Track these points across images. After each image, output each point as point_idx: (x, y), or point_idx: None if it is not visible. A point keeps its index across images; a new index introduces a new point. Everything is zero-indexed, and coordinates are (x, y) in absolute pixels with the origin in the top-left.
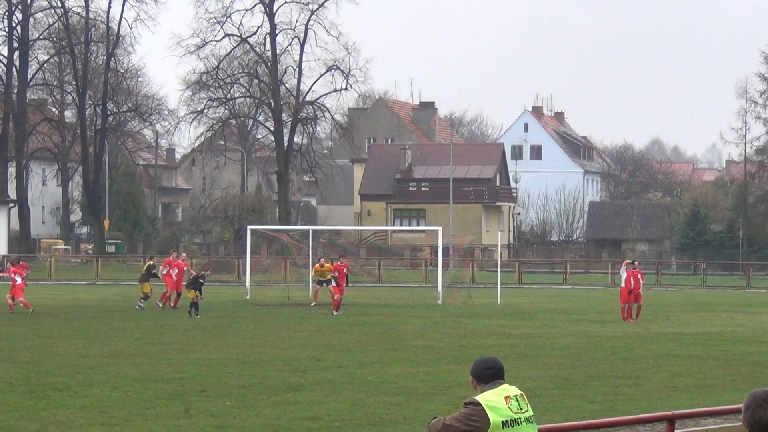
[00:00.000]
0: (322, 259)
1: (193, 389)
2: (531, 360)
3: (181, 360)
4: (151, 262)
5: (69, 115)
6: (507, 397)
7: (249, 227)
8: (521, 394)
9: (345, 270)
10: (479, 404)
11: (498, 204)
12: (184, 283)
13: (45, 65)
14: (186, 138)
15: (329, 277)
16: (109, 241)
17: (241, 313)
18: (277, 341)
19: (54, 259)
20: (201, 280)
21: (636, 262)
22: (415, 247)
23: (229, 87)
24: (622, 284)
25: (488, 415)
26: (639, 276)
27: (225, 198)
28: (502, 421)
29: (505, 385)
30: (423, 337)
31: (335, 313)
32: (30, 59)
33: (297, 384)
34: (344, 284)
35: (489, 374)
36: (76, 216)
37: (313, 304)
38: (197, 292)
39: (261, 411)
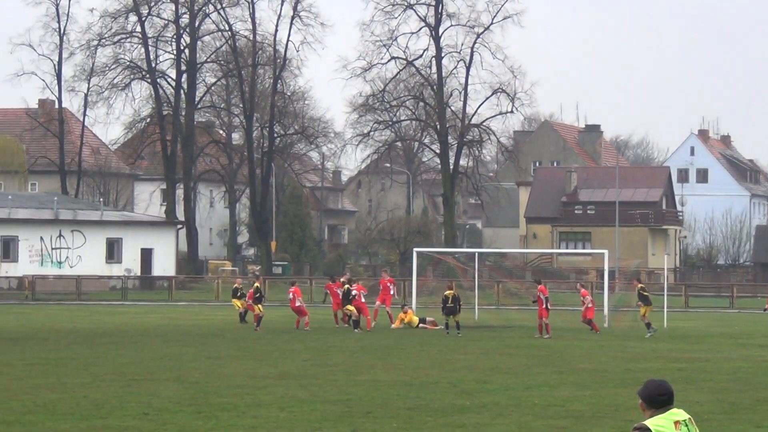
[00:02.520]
0: (406, 307)
1: (360, 411)
2: (698, 384)
3: (347, 381)
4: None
5: (236, 137)
6: (677, 422)
7: (415, 250)
8: (690, 418)
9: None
10: (649, 430)
11: (664, 227)
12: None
13: (212, 88)
14: (352, 160)
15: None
16: (276, 263)
17: (406, 335)
18: (443, 363)
19: (221, 280)
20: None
21: None
22: (580, 270)
23: (395, 110)
24: None
25: None
26: None
27: (391, 220)
28: None
29: (675, 410)
30: (589, 360)
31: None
32: (198, 82)
33: (463, 406)
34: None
35: (661, 400)
36: (243, 237)
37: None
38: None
39: None
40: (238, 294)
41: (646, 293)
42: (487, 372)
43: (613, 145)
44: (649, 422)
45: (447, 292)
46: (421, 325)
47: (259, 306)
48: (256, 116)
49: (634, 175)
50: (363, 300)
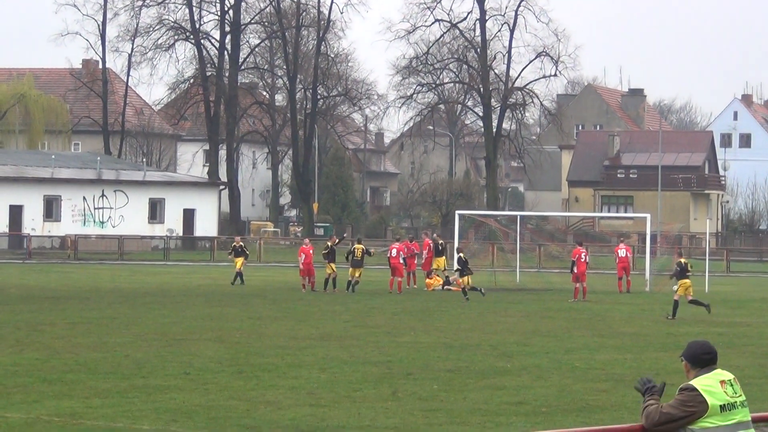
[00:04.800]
0: (433, 273)
1: (400, 372)
2: (739, 348)
3: (388, 343)
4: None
5: (279, 98)
6: (722, 382)
7: (457, 212)
8: (734, 378)
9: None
10: (695, 389)
11: (706, 192)
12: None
13: (256, 49)
14: (395, 122)
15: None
16: (318, 224)
17: (447, 297)
18: (484, 326)
19: (263, 241)
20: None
21: None
22: (622, 234)
23: (438, 72)
24: None
25: (706, 400)
26: None
27: (433, 183)
28: (720, 405)
29: (719, 370)
30: (630, 324)
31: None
32: (242, 43)
33: (504, 369)
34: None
35: (705, 359)
36: (285, 199)
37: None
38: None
39: (468, 395)
40: (239, 252)
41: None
42: (528, 335)
43: (657, 109)
44: (694, 382)
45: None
46: (446, 287)
47: (332, 265)
48: (299, 78)
49: (677, 140)
50: (401, 261)
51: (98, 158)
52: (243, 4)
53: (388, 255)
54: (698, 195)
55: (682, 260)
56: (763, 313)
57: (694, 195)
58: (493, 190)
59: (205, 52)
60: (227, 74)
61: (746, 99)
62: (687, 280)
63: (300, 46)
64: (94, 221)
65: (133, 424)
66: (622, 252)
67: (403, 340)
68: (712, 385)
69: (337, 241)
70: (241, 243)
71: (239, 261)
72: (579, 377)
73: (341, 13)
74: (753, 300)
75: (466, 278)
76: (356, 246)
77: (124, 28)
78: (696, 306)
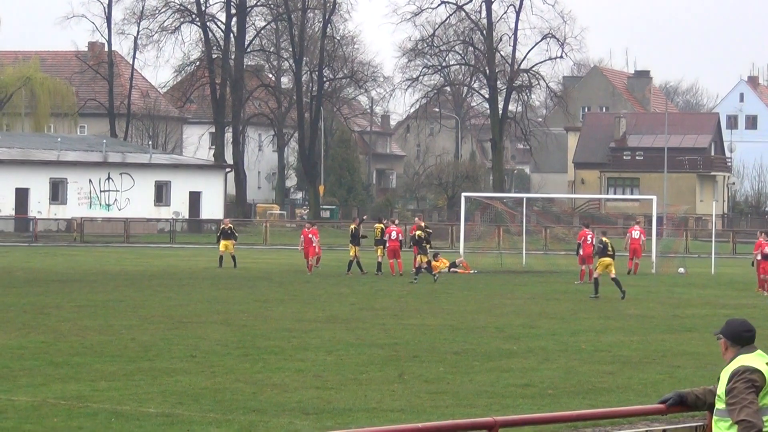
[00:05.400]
0: (438, 255)
1: (406, 355)
2: None
3: (394, 325)
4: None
5: (285, 81)
6: (766, 363)
7: (463, 194)
8: None
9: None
10: (758, 371)
11: (712, 174)
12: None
13: (262, 31)
14: (401, 105)
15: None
16: (324, 207)
17: (454, 279)
18: (490, 308)
19: (269, 223)
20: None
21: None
22: (628, 216)
23: (444, 54)
24: None
25: (763, 373)
26: None
27: (439, 165)
28: None
29: (760, 351)
30: (636, 306)
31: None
32: (247, 25)
33: (510, 351)
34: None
35: (747, 336)
36: (291, 181)
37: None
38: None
39: (474, 377)
40: (228, 234)
41: None
42: (534, 317)
43: (663, 91)
44: (748, 362)
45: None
46: (452, 269)
47: (356, 248)
48: (305, 60)
49: (683, 122)
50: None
51: (104, 141)
52: None
53: (387, 238)
54: (704, 177)
55: (604, 238)
56: None
57: (700, 177)
58: (499, 172)
59: (210, 35)
60: (233, 57)
61: (752, 81)
62: (607, 259)
63: (306, 28)
64: (100, 204)
65: (139, 407)
66: (635, 234)
67: (409, 322)
68: (760, 366)
69: (359, 222)
70: (231, 225)
71: (229, 244)
72: (585, 359)
73: None
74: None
75: (420, 257)
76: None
77: (129, 10)
78: (615, 286)
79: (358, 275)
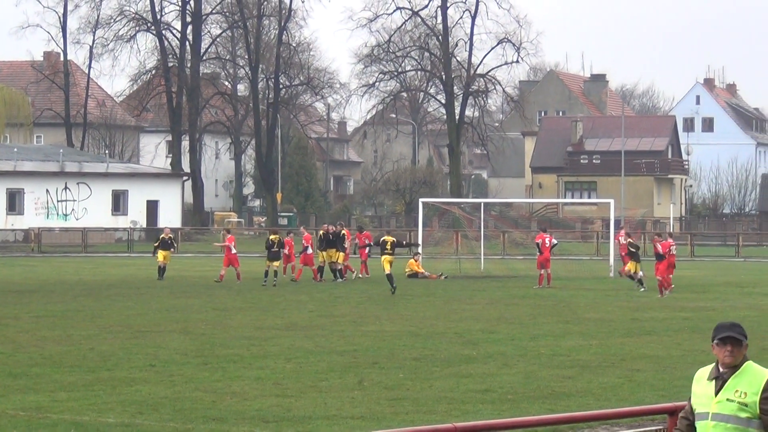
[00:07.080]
0: (417, 256)
1: (366, 361)
2: (704, 333)
3: (354, 332)
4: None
5: (241, 88)
6: None
7: (421, 200)
8: None
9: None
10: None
11: (670, 176)
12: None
13: (218, 39)
14: (357, 111)
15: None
16: (282, 214)
17: (412, 285)
18: (449, 314)
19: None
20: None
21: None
22: (586, 220)
23: (400, 60)
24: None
25: None
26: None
27: (396, 171)
28: None
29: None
30: (595, 310)
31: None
32: (203, 33)
33: (469, 356)
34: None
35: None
36: (248, 189)
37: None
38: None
39: (434, 383)
40: (167, 244)
41: (634, 250)
42: (493, 322)
43: (619, 94)
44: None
45: (386, 237)
46: (415, 255)
47: (324, 254)
48: (261, 67)
49: (640, 125)
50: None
51: (61, 151)
52: None
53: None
54: (661, 180)
55: (629, 241)
56: (727, 297)
57: (657, 180)
58: (456, 177)
59: (166, 43)
60: (189, 65)
61: (708, 83)
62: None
63: (262, 35)
64: (58, 214)
65: (99, 417)
66: (623, 239)
67: (368, 328)
68: None
69: (327, 227)
70: (171, 235)
71: (167, 254)
72: (545, 364)
73: (302, 2)
74: (717, 284)
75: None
76: (386, 237)
77: (85, 19)
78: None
79: (330, 280)
